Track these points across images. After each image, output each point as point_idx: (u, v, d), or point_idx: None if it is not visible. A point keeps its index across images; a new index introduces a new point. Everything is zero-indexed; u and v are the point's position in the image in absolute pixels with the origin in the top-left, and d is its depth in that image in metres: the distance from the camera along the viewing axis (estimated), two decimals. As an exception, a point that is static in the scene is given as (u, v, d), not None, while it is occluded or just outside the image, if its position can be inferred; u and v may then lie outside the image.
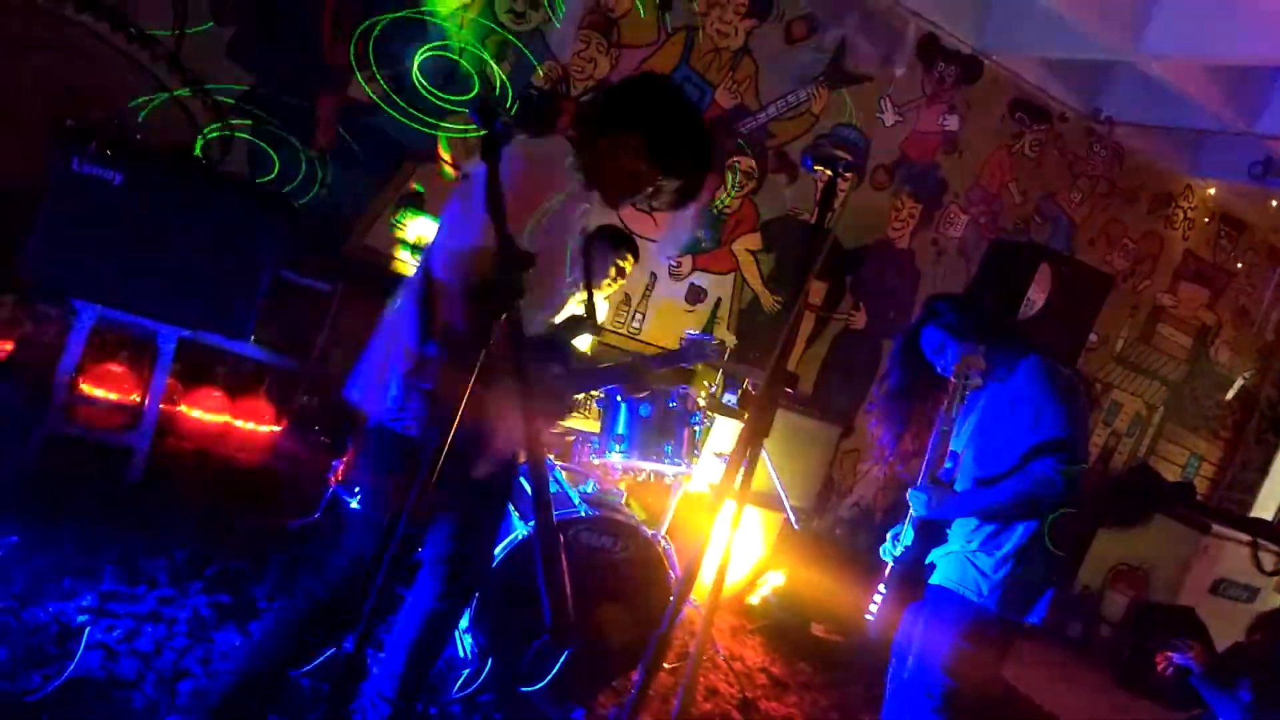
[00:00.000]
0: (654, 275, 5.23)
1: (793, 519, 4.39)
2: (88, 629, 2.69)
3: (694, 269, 5.34)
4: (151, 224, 3.53)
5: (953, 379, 2.88)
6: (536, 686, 3.15)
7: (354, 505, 3.58)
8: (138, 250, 3.52)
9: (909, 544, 3.00)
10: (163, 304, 3.63)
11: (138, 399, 3.87)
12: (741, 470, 2.09)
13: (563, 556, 1.28)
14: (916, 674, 2.92)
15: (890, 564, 3.05)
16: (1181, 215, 6.66)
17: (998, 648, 2.95)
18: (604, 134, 2.26)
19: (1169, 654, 3.57)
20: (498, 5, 4.61)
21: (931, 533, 3.00)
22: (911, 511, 2.98)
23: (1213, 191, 6.55)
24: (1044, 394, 2.79)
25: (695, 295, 5.38)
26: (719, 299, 5.47)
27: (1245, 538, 6.40)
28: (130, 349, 4.04)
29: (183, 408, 4.21)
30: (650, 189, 2.30)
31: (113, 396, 3.85)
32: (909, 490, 2.99)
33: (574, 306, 2.85)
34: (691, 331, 4.45)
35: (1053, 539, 2.84)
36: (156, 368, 3.72)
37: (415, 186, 4.66)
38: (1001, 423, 2.86)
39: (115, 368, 3.93)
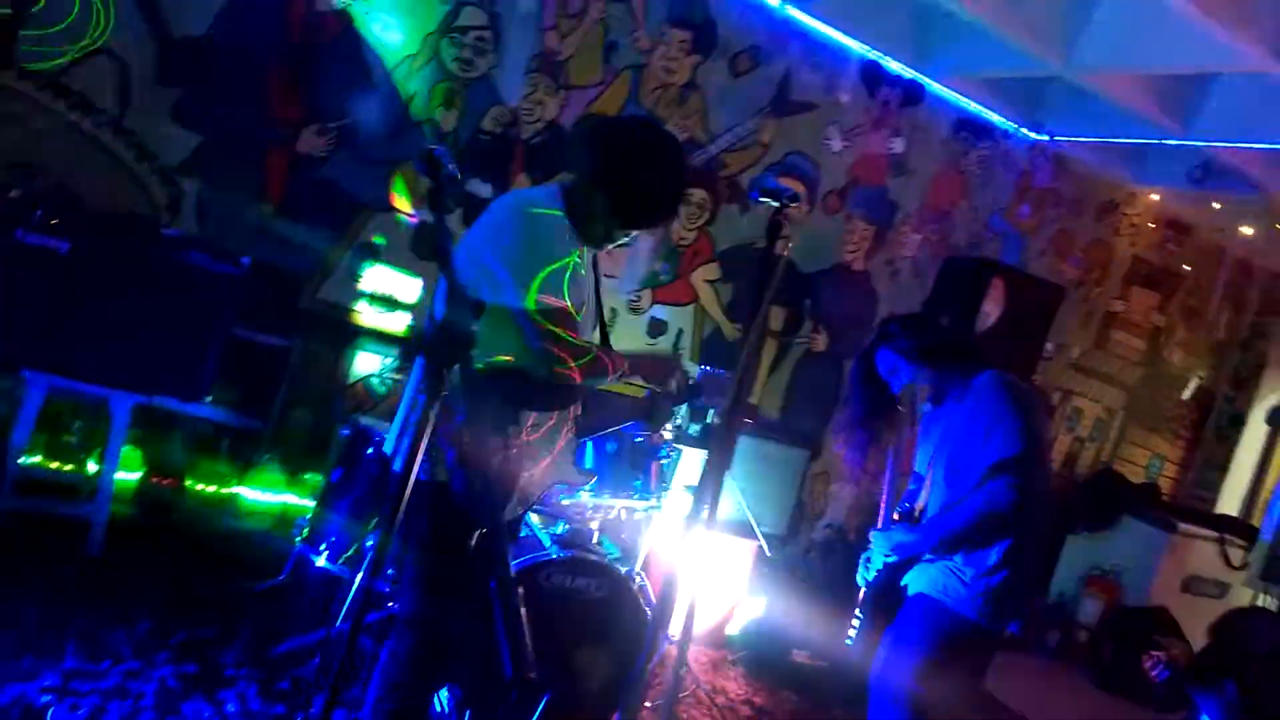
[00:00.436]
0: (614, 311, 5.25)
1: (765, 546, 4.39)
2: (51, 709, 2.62)
3: (654, 302, 5.36)
4: (101, 291, 3.49)
5: (899, 408, 2.92)
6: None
7: (320, 563, 3.53)
8: (88, 318, 3.47)
9: (880, 568, 3.01)
10: (115, 371, 3.58)
11: (94, 468, 3.80)
12: (708, 502, 2.10)
13: (521, 603, 1.27)
14: (883, 676, 2.92)
15: (864, 588, 3.07)
16: (1127, 222, 6.81)
17: (975, 659, 2.97)
18: (576, 189, 2.36)
19: (1156, 654, 3.60)
20: (444, 54, 4.64)
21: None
22: (873, 549, 3.02)
23: (1156, 197, 6.71)
24: (997, 409, 2.82)
25: (656, 328, 5.40)
26: (680, 330, 5.49)
27: (1212, 534, 6.50)
28: (84, 418, 3.97)
29: (141, 474, 4.14)
30: (622, 239, 2.42)
31: (68, 468, 3.78)
32: (872, 532, 3.02)
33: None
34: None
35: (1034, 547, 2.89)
36: (111, 436, 3.66)
37: (375, 239, 4.65)
38: (962, 442, 2.89)
39: (69, 438, 3.86)
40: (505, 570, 1.33)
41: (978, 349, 3.11)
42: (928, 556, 2.97)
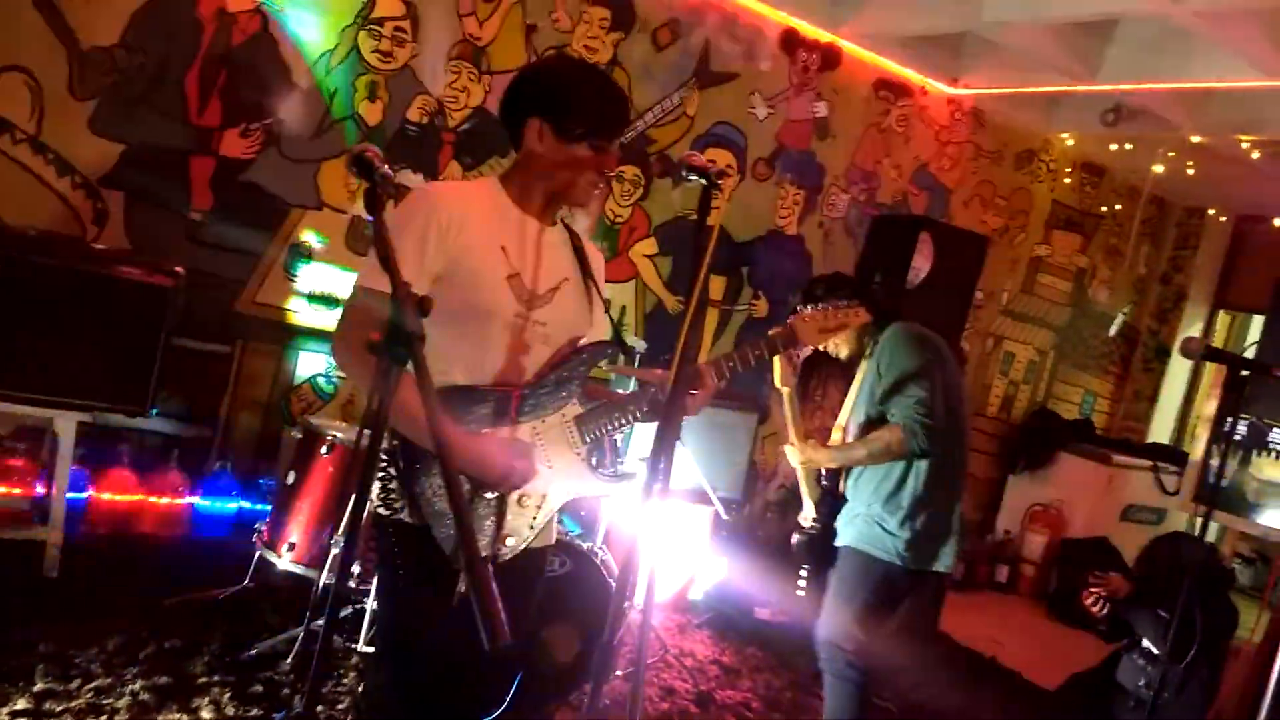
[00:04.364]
0: (555, 292, 5.28)
1: (721, 510, 4.50)
2: (25, 733, 2.62)
3: (594, 281, 5.40)
4: (35, 311, 3.44)
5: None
6: (495, 714, 3.17)
7: (282, 565, 3.55)
8: (22, 339, 3.43)
9: (815, 516, 3.21)
10: (56, 390, 3.53)
11: (43, 491, 3.76)
12: (662, 472, 2.17)
13: (490, 572, 1.32)
14: (827, 630, 3.10)
15: (795, 539, 3.26)
16: (1045, 168, 7.02)
17: (914, 602, 3.14)
18: (517, 146, 2.05)
19: (1095, 590, 3.79)
20: (363, 46, 4.61)
21: (838, 505, 3.21)
22: (791, 464, 3.26)
23: (1071, 142, 6.92)
24: (896, 356, 3.05)
25: (599, 306, 5.45)
26: (624, 306, 5.55)
27: (1146, 463, 6.79)
28: (28, 441, 3.92)
29: (91, 492, 4.10)
30: (589, 158, 2.00)
31: (16, 492, 3.73)
32: (784, 446, 3.23)
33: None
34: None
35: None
36: (58, 456, 3.62)
37: (310, 235, 4.62)
38: (870, 392, 3.11)
39: (15, 462, 3.80)
40: (472, 541, 1.37)
41: (895, 304, 3.30)
42: (853, 509, 3.14)
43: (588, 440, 2.10)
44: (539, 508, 2.05)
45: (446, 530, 1.92)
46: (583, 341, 2.18)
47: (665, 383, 1.95)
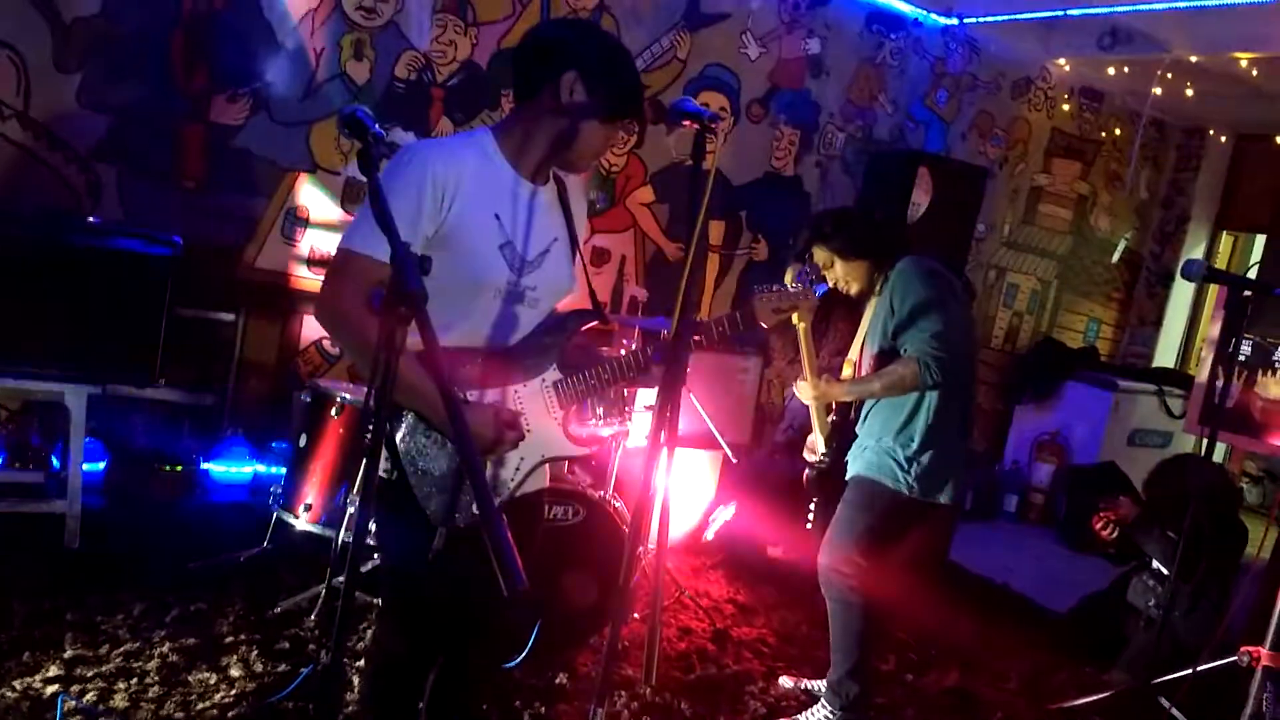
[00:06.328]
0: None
1: (730, 454, 4.54)
2: (60, 698, 2.68)
3: (593, 232, 5.39)
4: (36, 288, 3.45)
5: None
6: (516, 660, 3.25)
7: (300, 526, 3.60)
8: (27, 317, 3.45)
9: (825, 451, 3.23)
10: (64, 366, 3.57)
11: (58, 465, 3.80)
12: (666, 419, 2.20)
13: (504, 519, 1.34)
14: (830, 555, 3.14)
15: (807, 473, 3.29)
16: (1042, 96, 6.94)
17: (921, 531, 3.19)
18: (532, 96, 1.98)
19: (1104, 515, 3.85)
20: (346, 4, 4.55)
21: (849, 440, 3.24)
22: (801, 401, 3.27)
23: (1068, 69, 6.82)
24: (910, 284, 3.04)
25: (599, 258, 5.45)
26: (623, 256, 5.54)
27: (1151, 388, 6.81)
28: (41, 416, 3.96)
29: (105, 464, 4.15)
30: (602, 128, 2.01)
31: (32, 467, 3.77)
32: (798, 381, 3.24)
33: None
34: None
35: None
36: (71, 430, 3.66)
37: (306, 198, 4.61)
38: (882, 327, 3.11)
39: (29, 438, 3.85)
40: (484, 489, 1.39)
41: (904, 239, 3.27)
42: (863, 443, 3.16)
43: (564, 406, 2.14)
44: (517, 468, 2.07)
45: (427, 489, 1.94)
46: (563, 304, 2.19)
47: (643, 347, 2.13)
